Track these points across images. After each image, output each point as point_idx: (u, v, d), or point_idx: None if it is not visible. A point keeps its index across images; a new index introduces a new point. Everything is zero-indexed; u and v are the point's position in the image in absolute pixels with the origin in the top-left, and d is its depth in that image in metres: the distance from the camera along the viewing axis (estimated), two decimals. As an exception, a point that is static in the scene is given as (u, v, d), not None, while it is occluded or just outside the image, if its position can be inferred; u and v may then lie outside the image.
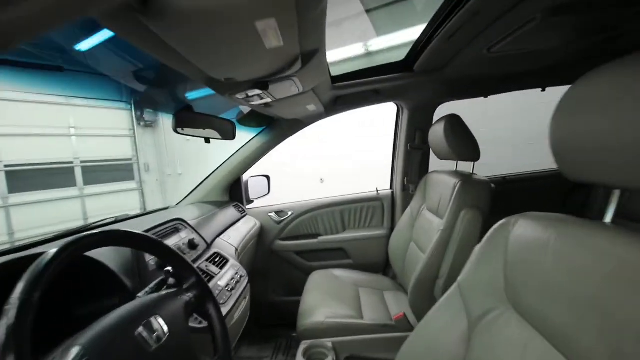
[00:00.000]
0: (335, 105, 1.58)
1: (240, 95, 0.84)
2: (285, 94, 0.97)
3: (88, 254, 0.69)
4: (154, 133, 6.55)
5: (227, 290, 1.00)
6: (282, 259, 1.88)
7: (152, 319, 0.53)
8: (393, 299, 1.41)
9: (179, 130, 0.90)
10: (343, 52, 1.49)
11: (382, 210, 1.85)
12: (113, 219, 1.16)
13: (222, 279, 1.04)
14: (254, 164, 1.77)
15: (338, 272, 1.64)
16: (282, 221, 1.87)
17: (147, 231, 0.96)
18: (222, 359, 0.64)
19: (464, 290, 0.66)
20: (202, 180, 1.78)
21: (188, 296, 0.65)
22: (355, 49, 1.49)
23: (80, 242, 0.46)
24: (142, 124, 6.33)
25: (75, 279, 0.69)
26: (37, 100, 4.70)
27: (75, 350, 0.41)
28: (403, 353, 0.75)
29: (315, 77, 0.95)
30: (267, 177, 2.09)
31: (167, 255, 0.65)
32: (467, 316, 0.64)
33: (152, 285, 0.69)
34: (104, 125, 5.74)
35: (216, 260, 1.13)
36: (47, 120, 4.83)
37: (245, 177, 1.91)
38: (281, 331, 1.84)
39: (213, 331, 0.67)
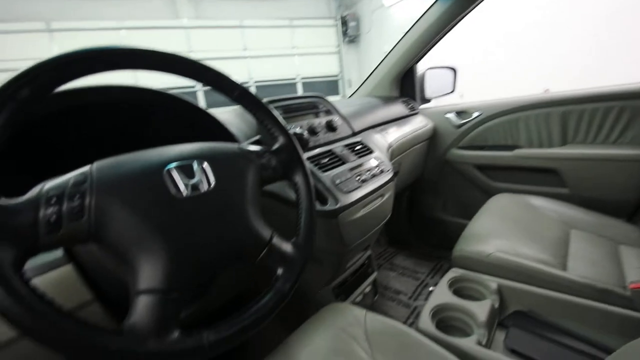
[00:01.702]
0: None
1: None
2: None
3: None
4: (356, 49, 6.70)
5: (357, 180, 0.82)
6: (457, 172, 1.49)
7: (195, 163, 0.41)
8: (637, 260, 0.82)
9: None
10: None
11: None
12: None
13: (357, 167, 0.87)
14: (430, 47, 1.35)
15: (538, 201, 1.12)
16: (463, 124, 1.43)
17: (274, 102, 0.88)
18: (299, 245, 0.49)
19: None
20: (370, 73, 1.56)
21: (268, 158, 0.51)
22: None
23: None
24: (346, 39, 6.56)
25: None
26: (267, 24, 5.66)
27: (81, 169, 0.35)
28: None
29: None
30: (453, 70, 1.61)
31: (236, 92, 0.50)
32: None
33: (253, 139, 0.60)
34: (315, 43, 6.36)
35: (357, 148, 0.95)
36: (275, 42, 5.82)
37: (422, 68, 1.53)
38: (445, 253, 1.57)
39: (298, 205, 0.53)
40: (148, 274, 0.34)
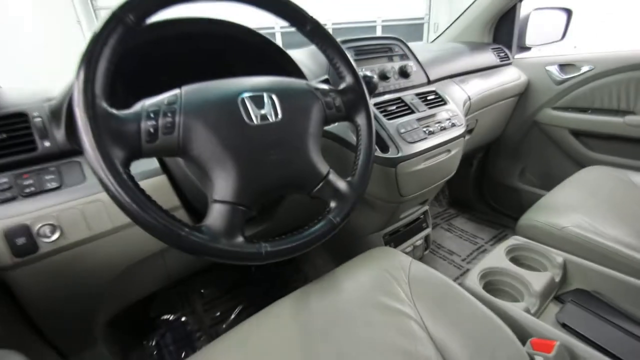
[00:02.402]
0: None
1: None
2: None
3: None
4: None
5: (424, 131, 0.79)
6: (547, 137, 1.31)
7: (265, 95, 0.45)
8: None
9: None
10: None
11: None
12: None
13: (426, 118, 0.83)
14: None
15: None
16: (566, 80, 1.21)
17: (346, 42, 0.85)
18: (353, 184, 0.51)
19: None
20: (460, 14, 1.37)
21: (333, 97, 0.52)
22: None
23: None
24: (440, -27, 5.72)
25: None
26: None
27: (173, 91, 0.40)
28: None
29: None
30: (568, 12, 1.33)
31: (306, 24, 0.50)
32: None
33: (322, 78, 0.61)
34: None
35: (429, 98, 0.89)
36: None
37: (527, 8, 1.30)
38: (512, 224, 1.47)
39: (357, 147, 0.54)
40: (222, 187, 0.40)
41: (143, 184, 0.49)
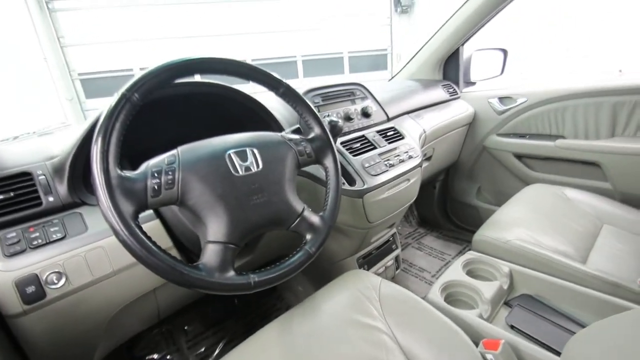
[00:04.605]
0: None
1: None
2: None
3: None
4: (408, 20, 6.36)
5: (385, 164, 0.90)
6: (495, 160, 1.49)
7: (248, 149, 0.54)
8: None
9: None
10: None
11: None
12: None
13: (387, 152, 0.95)
14: (478, 28, 1.32)
15: (575, 194, 1.12)
16: (506, 111, 1.40)
17: (313, 90, 0.97)
18: (324, 218, 0.60)
19: None
20: (413, 55, 1.56)
21: (304, 145, 0.62)
22: None
23: (182, 63, 0.49)
24: (398, 9, 6.24)
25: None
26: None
27: (170, 152, 0.49)
28: None
29: None
30: (504, 51, 1.56)
31: (281, 89, 0.61)
32: None
33: (293, 127, 0.71)
34: (366, 13, 6.13)
35: (389, 134, 1.02)
36: (323, 13, 5.69)
37: (470, 50, 1.50)
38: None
39: (326, 185, 0.64)
40: (214, 230, 0.48)
41: (142, 228, 0.56)
